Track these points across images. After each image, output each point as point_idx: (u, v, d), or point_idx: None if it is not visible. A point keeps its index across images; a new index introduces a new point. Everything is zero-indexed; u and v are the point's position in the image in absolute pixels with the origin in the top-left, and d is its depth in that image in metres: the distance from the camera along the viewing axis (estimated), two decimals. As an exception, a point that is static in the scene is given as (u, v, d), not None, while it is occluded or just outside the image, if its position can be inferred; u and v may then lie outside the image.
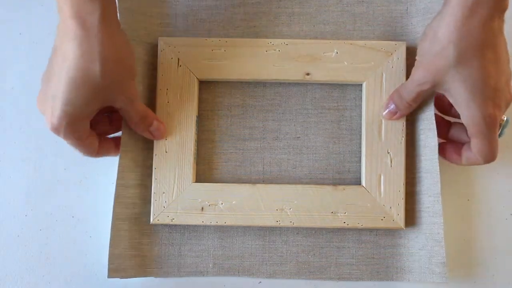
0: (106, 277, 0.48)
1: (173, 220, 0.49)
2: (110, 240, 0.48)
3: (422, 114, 0.50)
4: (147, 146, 0.50)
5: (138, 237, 0.50)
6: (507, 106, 0.44)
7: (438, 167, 0.48)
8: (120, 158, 0.48)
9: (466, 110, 0.43)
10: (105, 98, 0.43)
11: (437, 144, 0.48)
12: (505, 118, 0.45)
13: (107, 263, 0.48)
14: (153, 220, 0.49)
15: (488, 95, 0.42)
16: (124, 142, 0.49)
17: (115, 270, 0.48)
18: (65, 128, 0.42)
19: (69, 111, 0.41)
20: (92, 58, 0.40)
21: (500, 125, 0.45)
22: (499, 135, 0.45)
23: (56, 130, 0.42)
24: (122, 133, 0.49)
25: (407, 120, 0.50)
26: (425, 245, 0.49)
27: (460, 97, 0.43)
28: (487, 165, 0.51)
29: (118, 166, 0.48)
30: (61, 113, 0.41)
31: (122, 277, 0.49)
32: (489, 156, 0.45)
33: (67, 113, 0.41)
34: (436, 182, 0.48)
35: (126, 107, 0.45)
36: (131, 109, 0.45)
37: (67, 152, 0.51)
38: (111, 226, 0.48)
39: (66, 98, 0.41)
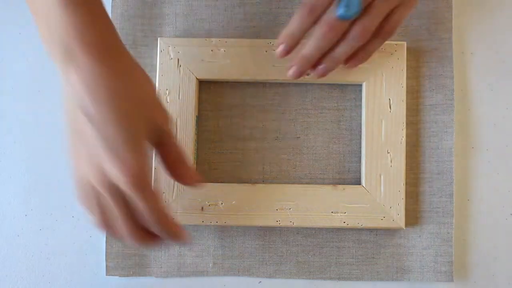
0: (106, 277, 0.48)
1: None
2: (106, 238, 0.50)
3: (435, 116, 0.51)
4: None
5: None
6: None
7: (453, 168, 0.50)
8: None
9: None
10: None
11: (453, 146, 0.50)
12: None
13: (105, 263, 0.48)
14: (153, 220, 0.49)
15: None
16: None
17: (113, 269, 0.49)
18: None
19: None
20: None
21: None
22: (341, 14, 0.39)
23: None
24: None
25: (408, 123, 0.50)
26: (431, 244, 0.50)
27: None
28: (487, 165, 0.51)
29: None
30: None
31: (120, 276, 0.49)
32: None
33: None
34: (450, 183, 0.50)
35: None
36: None
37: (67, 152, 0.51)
38: None
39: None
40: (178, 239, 0.38)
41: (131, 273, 0.49)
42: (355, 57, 0.44)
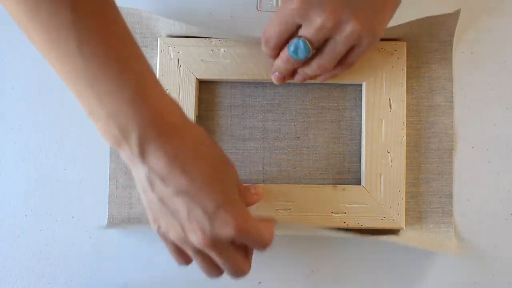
0: (106, 277, 0.48)
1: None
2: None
3: (435, 118, 0.51)
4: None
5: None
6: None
7: (453, 169, 0.51)
8: (111, 161, 0.50)
9: None
10: None
11: (452, 147, 0.51)
12: (294, 40, 0.41)
13: (105, 263, 0.48)
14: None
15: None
16: None
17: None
18: None
19: None
20: None
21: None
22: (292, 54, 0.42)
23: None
24: None
25: (408, 123, 0.50)
26: (431, 244, 0.49)
27: None
28: (487, 165, 0.51)
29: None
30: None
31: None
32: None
33: None
34: (450, 183, 0.51)
35: None
36: None
37: (67, 152, 0.51)
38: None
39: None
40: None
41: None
42: (322, 76, 0.47)
